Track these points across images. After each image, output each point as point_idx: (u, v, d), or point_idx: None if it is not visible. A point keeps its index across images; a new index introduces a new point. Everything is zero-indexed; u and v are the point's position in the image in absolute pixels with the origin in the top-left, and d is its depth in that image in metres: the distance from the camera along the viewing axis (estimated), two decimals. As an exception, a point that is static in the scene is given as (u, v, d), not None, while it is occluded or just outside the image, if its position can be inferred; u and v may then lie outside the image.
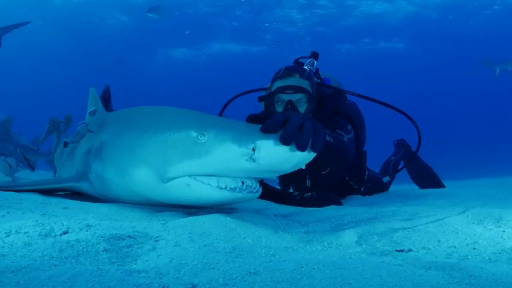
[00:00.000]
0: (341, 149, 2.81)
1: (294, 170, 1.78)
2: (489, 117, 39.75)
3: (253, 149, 1.61)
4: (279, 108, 3.10)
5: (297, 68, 3.25)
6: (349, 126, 3.25)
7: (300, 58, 3.52)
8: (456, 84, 35.33)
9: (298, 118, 1.66)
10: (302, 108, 3.08)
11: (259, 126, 1.70)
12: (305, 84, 3.10)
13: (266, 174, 1.83)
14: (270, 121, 1.67)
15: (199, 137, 1.70)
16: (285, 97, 3.05)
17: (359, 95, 3.46)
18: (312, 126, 1.66)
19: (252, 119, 1.88)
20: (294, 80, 3.11)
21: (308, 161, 1.73)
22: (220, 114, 3.93)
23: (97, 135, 2.27)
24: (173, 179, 1.76)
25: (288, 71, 3.15)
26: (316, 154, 1.71)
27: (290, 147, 1.61)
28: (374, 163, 4.30)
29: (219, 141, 1.66)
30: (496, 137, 35.94)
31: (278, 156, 1.63)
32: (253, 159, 1.63)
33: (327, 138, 2.56)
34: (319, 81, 3.39)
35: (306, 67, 3.34)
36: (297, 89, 3.04)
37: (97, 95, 3.40)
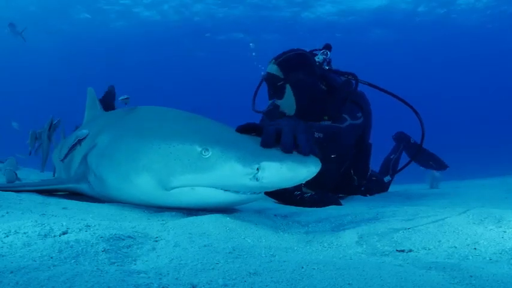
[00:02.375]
0: (332, 139, 2.82)
1: (294, 185, 1.80)
2: (490, 116, 39.77)
3: (257, 169, 1.62)
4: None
5: (282, 53, 3.42)
6: (359, 114, 3.30)
7: (313, 50, 3.62)
8: (456, 83, 35.35)
9: (289, 127, 1.71)
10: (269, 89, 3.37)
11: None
12: (272, 69, 3.33)
13: (268, 189, 1.85)
14: (264, 136, 1.70)
15: (203, 152, 1.70)
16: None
17: (370, 84, 3.56)
18: (304, 132, 1.72)
19: (242, 130, 1.88)
20: (269, 66, 3.39)
21: (309, 178, 1.74)
22: (254, 98, 3.92)
23: (96, 136, 2.25)
24: (175, 188, 1.77)
25: (274, 56, 3.43)
26: (319, 170, 1.72)
27: (293, 169, 1.62)
28: (372, 161, 4.26)
29: (224, 159, 1.66)
30: (497, 137, 35.96)
31: (282, 177, 1.64)
32: (256, 178, 1.64)
33: (316, 134, 2.59)
34: (329, 68, 3.52)
35: (318, 58, 3.49)
36: (265, 75, 3.38)
37: (95, 95, 3.38)
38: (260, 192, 1.86)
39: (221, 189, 1.74)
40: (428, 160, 4.93)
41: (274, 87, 3.30)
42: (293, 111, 3.32)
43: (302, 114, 3.22)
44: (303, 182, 1.78)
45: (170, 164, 1.74)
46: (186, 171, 1.71)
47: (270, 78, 3.30)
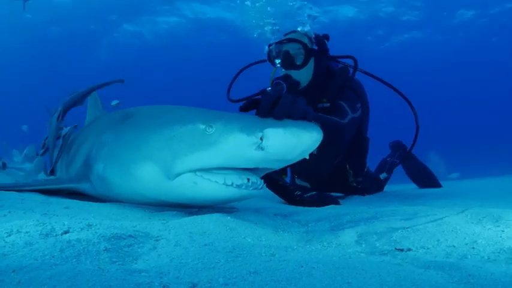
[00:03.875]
0: (330, 130, 2.83)
1: (299, 158, 1.80)
2: (489, 116, 39.76)
3: (261, 138, 1.63)
4: (277, 61, 3.34)
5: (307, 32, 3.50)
6: (359, 105, 3.35)
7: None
8: (456, 83, 35.32)
9: (288, 96, 1.74)
10: (298, 59, 3.32)
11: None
12: (303, 38, 3.37)
13: (274, 163, 1.84)
14: (262, 103, 1.73)
15: (207, 129, 1.70)
16: (282, 47, 3.34)
17: (366, 73, 3.61)
18: (304, 102, 1.75)
19: (246, 107, 1.90)
20: (294, 35, 3.42)
21: (313, 148, 1.75)
22: (230, 85, 3.94)
23: (97, 135, 2.26)
24: (180, 174, 1.74)
25: (293, 30, 3.47)
26: (321, 139, 1.74)
27: (296, 134, 1.64)
28: (369, 162, 4.27)
29: (227, 131, 1.67)
30: (497, 137, 35.95)
31: (286, 143, 1.65)
32: (261, 148, 1.64)
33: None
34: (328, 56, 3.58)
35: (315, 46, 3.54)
36: (291, 40, 3.33)
37: (97, 95, 3.39)
38: (261, 188, 1.86)
39: (226, 167, 1.74)
40: (424, 178, 5.08)
41: (306, 55, 3.34)
42: (305, 84, 3.42)
43: (307, 93, 3.32)
44: (307, 155, 1.78)
45: (174, 147, 1.73)
46: (190, 151, 1.70)
47: (304, 46, 3.34)
